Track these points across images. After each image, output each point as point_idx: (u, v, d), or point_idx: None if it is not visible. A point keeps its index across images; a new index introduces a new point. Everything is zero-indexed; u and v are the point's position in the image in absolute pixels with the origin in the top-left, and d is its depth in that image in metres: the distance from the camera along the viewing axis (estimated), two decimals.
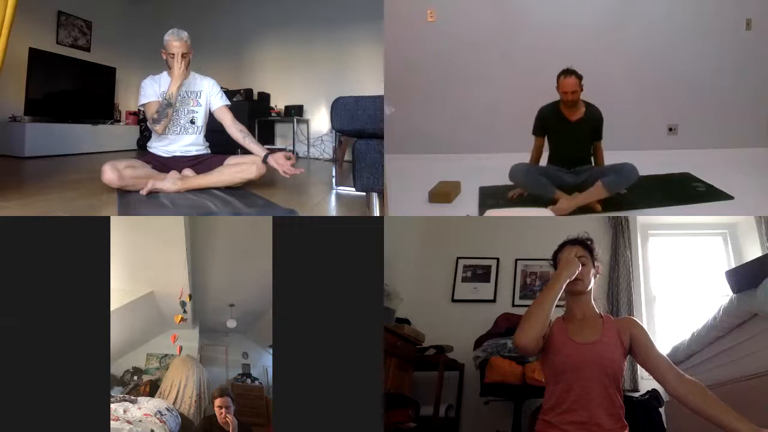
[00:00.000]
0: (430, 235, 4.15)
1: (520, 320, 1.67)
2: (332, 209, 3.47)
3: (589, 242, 1.80)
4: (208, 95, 3.54)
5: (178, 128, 3.48)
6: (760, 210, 3.37)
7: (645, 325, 1.76)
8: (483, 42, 4.21)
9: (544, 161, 3.31)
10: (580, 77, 3.10)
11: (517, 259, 4.07)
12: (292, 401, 2.05)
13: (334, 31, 7.08)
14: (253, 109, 7.22)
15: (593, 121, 3.18)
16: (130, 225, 2.81)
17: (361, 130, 2.72)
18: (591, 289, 1.77)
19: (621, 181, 3.06)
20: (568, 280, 1.68)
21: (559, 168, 3.21)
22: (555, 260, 1.80)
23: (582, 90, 3.12)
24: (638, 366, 2.75)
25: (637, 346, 1.69)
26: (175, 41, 3.33)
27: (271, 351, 2.53)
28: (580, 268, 1.71)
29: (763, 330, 2.10)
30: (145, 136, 7.07)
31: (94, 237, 2.06)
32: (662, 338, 3.51)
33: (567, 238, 1.82)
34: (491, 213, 3.03)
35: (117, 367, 3.72)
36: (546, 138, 3.28)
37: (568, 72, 3.12)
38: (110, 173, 3.15)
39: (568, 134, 3.18)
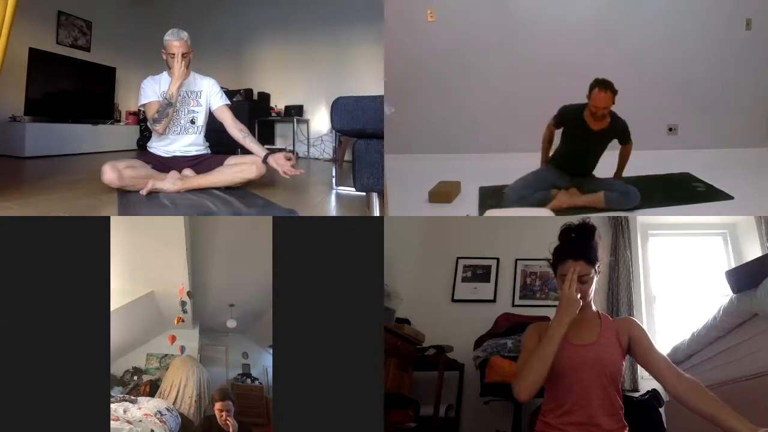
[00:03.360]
0: (430, 235, 4.15)
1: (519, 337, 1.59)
2: (332, 209, 3.47)
3: (592, 254, 1.69)
4: (209, 95, 3.54)
5: (179, 128, 3.48)
6: (760, 210, 3.37)
7: (645, 325, 1.76)
8: (483, 42, 4.20)
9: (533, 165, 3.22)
10: (615, 92, 2.90)
11: (517, 259, 4.06)
12: (292, 401, 2.05)
13: (334, 31, 7.08)
14: (253, 109, 7.22)
15: (615, 132, 3.08)
16: (130, 225, 2.81)
17: (361, 130, 2.73)
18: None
19: (622, 202, 3.07)
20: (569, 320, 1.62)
21: (559, 174, 3.14)
22: (555, 265, 1.72)
23: (614, 104, 2.96)
24: (638, 366, 2.75)
25: (637, 347, 1.68)
26: (175, 41, 3.33)
27: (271, 351, 2.53)
28: (580, 305, 1.65)
29: (763, 330, 2.10)
30: (145, 136, 7.07)
31: (94, 237, 2.06)
32: (662, 338, 3.51)
33: (570, 234, 1.72)
34: (491, 213, 3.02)
35: (117, 367, 3.73)
36: (562, 133, 3.16)
37: (604, 85, 2.88)
38: (110, 173, 3.15)
39: (585, 142, 3.09)
